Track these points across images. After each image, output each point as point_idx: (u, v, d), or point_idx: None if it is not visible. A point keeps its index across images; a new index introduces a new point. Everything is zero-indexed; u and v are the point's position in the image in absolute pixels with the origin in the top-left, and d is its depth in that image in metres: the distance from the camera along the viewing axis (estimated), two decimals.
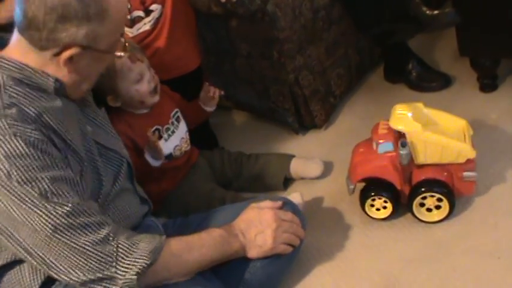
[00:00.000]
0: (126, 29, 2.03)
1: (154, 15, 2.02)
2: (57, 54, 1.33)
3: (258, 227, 1.54)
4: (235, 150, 2.21)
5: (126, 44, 1.44)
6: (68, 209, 1.28)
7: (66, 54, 1.33)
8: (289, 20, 2.14)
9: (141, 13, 2.02)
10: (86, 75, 1.41)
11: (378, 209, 1.86)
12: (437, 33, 2.59)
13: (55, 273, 1.32)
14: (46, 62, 1.35)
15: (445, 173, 1.77)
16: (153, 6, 2.03)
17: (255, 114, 2.53)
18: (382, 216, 1.86)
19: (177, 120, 2.05)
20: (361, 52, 2.48)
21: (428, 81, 2.39)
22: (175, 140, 2.03)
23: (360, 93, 2.50)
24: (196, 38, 2.23)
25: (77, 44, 1.32)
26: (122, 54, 1.43)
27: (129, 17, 2.01)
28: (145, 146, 1.87)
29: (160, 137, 1.96)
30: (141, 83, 1.88)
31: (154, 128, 1.96)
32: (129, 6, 1.98)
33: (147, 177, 1.86)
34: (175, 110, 2.05)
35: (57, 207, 1.27)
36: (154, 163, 1.90)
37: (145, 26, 2.03)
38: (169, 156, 2.00)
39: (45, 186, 1.26)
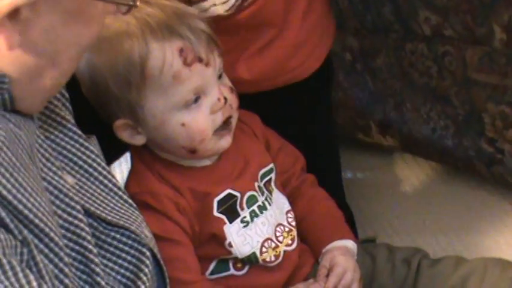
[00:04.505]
0: None
1: None
2: None
3: None
4: (401, 242, 1.56)
5: None
6: None
7: (4, 6, 0.89)
8: None
9: None
10: (49, 51, 0.93)
11: None
12: None
13: None
14: None
15: None
16: None
17: (446, 164, 1.81)
18: None
19: (268, 184, 1.39)
20: None
21: None
22: (264, 225, 1.37)
23: None
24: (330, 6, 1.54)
25: None
26: (132, 2, 0.93)
27: None
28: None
29: (234, 217, 1.31)
30: (198, 108, 1.29)
31: (223, 193, 1.30)
32: None
33: None
34: (269, 165, 1.40)
35: None
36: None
37: None
38: (251, 260, 1.34)
39: None
